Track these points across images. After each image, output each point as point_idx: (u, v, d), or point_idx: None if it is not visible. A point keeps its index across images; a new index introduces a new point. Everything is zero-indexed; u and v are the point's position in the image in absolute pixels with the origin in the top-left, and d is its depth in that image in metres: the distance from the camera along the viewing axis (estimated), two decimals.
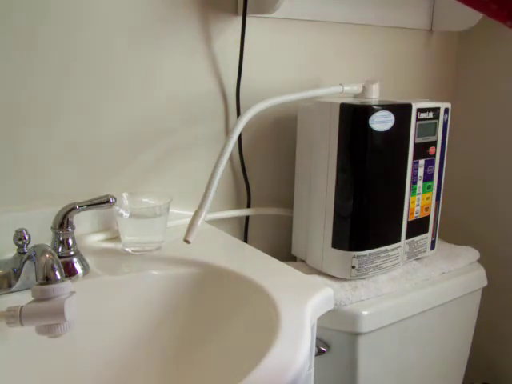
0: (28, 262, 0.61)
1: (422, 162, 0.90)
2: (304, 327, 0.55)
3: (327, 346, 0.84)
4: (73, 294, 0.55)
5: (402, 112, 0.84)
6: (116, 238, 0.77)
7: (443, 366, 1.00)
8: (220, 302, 0.68)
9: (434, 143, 0.92)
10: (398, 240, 0.90)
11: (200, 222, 0.74)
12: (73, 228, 0.67)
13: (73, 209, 0.66)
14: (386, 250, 0.88)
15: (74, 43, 0.72)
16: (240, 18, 0.85)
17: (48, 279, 0.54)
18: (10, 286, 0.62)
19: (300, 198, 0.92)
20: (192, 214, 0.75)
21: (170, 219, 0.78)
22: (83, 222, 0.75)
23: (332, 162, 0.84)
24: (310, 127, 0.87)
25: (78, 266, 0.67)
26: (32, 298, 0.54)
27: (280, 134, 0.96)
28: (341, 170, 0.83)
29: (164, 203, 0.75)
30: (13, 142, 0.71)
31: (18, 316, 0.52)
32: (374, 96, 0.91)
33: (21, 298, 0.60)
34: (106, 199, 0.68)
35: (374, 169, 0.83)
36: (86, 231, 0.77)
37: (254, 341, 0.60)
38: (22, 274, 0.61)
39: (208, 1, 0.83)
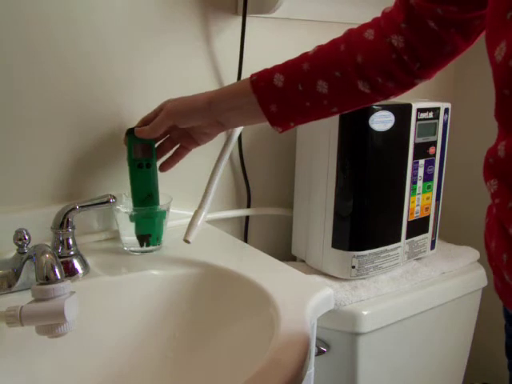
0: (28, 262, 0.61)
1: (422, 161, 0.90)
2: (304, 327, 0.55)
3: (327, 345, 0.84)
4: (73, 294, 0.55)
5: (402, 112, 0.84)
6: (116, 238, 0.77)
7: (443, 366, 1.00)
8: (220, 301, 0.68)
9: (434, 143, 0.92)
10: (397, 240, 0.90)
11: (200, 221, 0.74)
12: (73, 228, 0.67)
13: (73, 209, 0.66)
14: (386, 250, 0.88)
15: (72, 45, 0.72)
16: (240, 18, 0.85)
17: (48, 279, 0.54)
18: (9, 286, 0.62)
19: (300, 198, 0.92)
20: (192, 214, 0.75)
21: (170, 219, 0.78)
22: (83, 222, 0.75)
23: (332, 162, 0.84)
24: (310, 127, 0.87)
25: (78, 266, 0.67)
26: (32, 298, 0.54)
27: (280, 134, 0.96)
28: (341, 169, 0.83)
29: (164, 203, 0.75)
30: (13, 142, 0.70)
31: (17, 316, 0.52)
32: None
33: (21, 298, 0.60)
34: (105, 199, 0.68)
35: (374, 169, 0.83)
36: (86, 231, 0.77)
37: (253, 341, 0.60)
38: (22, 274, 0.61)
39: (208, 0, 0.83)
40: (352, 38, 0.62)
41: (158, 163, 0.75)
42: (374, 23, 0.62)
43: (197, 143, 0.74)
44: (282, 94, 0.64)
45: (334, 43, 0.64)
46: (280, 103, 0.64)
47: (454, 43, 0.60)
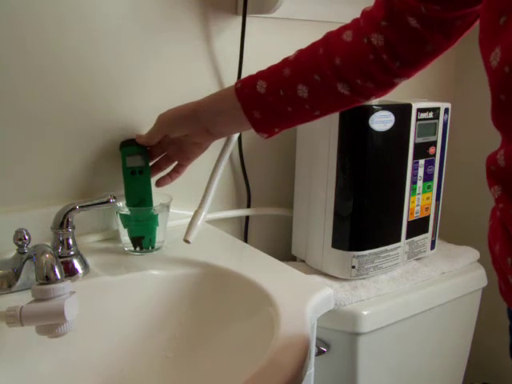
0: (28, 262, 0.61)
1: (422, 161, 0.90)
2: (304, 327, 0.55)
3: (327, 345, 0.84)
4: (73, 294, 0.55)
5: (402, 112, 0.84)
6: (116, 237, 0.77)
7: (443, 366, 1.00)
8: (220, 301, 0.68)
9: (434, 143, 0.92)
10: (398, 240, 0.90)
11: (200, 221, 0.74)
12: (73, 228, 0.67)
13: (73, 209, 0.66)
14: (386, 250, 0.88)
15: (71, 47, 0.72)
16: (240, 18, 0.85)
17: (48, 279, 0.54)
18: (10, 286, 0.62)
19: (300, 198, 0.92)
20: (192, 214, 0.75)
21: (170, 219, 0.78)
22: (83, 222, 0.75)
23: (332, 162, 0.84)
24: (310, 127, 0.87)
25: (78, 266, 0.67)
26: (32, 298, 0.54)
27: (280, 134, 0.96)
28: (341, 169, 0.83)
29: (164, 203, 0.75)
30: (13, 142, 0.71)
31: (17, 316, 0.53)
32: None
33: (21, 298, 0.60)
34: (105, 199, 0.68)
35: (374, 169, 0.83)
36: (86, 231, 0.77)
37: (253, 341, 0.60)
38: (22, 274, 0.61)
39: (208, 0, 0.83)
40: (330, 40, 0.62)
41: (154, 180, 0.76)
42: (353, 24, 0.63)
43: (189, 159, 0.76)
44: (265, 101, 0.64)
45: (313, 47, 0.64)
46: (263, 109, 0.65)
47: (435, 42, 0.59)
